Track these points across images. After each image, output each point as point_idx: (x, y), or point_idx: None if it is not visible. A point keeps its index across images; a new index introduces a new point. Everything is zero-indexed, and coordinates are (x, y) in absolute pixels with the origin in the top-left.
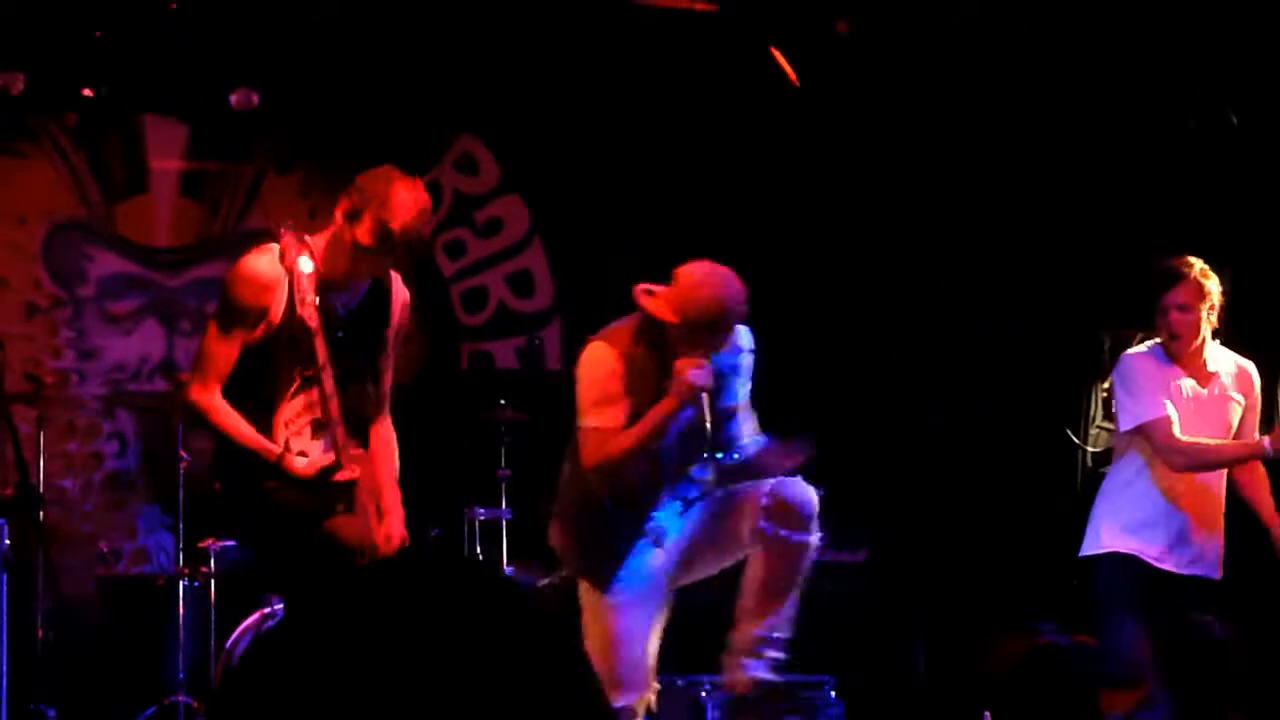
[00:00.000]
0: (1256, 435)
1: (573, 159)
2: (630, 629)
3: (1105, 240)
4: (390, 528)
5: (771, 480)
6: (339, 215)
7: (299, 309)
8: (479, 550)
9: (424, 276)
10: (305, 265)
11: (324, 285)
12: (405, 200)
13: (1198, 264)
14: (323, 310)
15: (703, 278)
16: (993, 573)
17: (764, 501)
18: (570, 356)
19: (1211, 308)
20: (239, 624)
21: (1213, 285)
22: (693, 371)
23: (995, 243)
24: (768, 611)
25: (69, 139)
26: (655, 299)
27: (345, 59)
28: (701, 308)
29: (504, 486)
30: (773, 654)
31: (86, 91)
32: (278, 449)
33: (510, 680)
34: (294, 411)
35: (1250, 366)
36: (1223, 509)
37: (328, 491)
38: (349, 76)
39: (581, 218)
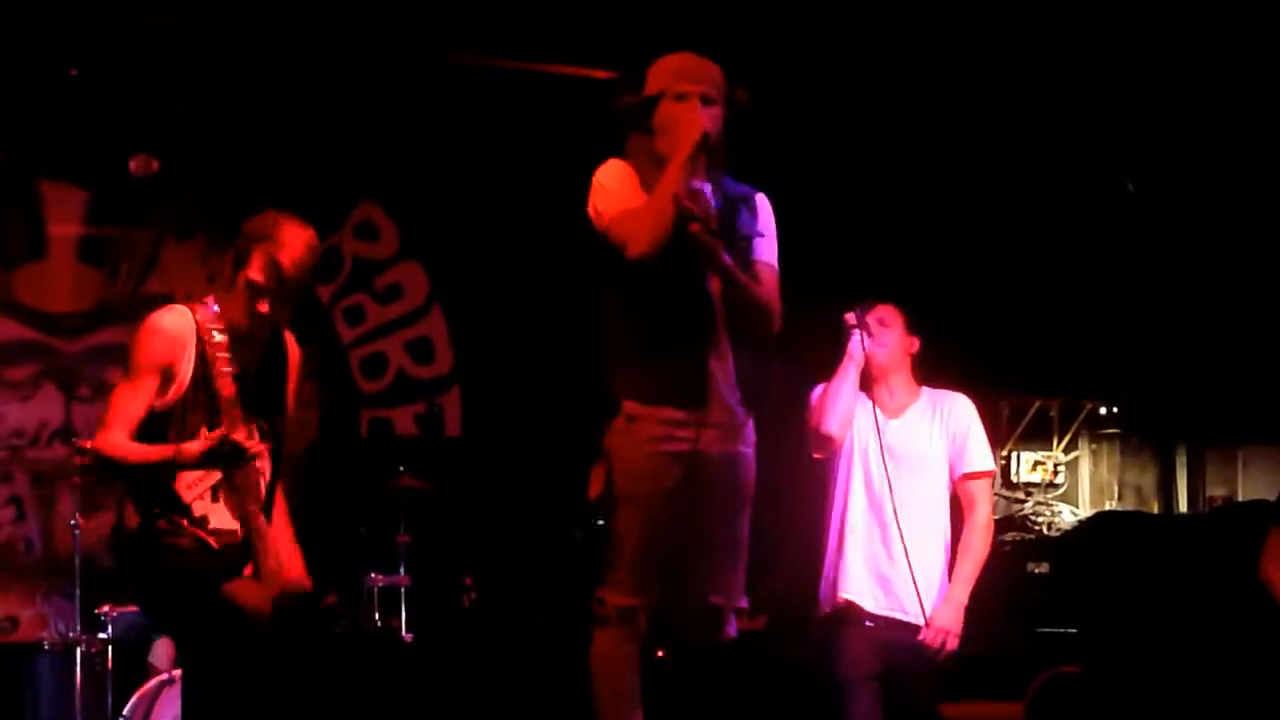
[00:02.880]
0: None
1: (472, 227)
2: (646, 527)
3: (1006, 307)
4: (291, 578)
5: None
6: (228, 265)
7: (213, 370)
8: (377, 617)
9: (323, 342)
10: (213, 325)
11: (230, 343)
12: (293, 235)
13: None
14: (231, 372)
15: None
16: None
17: None
18: (469, 423)
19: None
20: (135, 691)
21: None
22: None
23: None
24: None
25: None
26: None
27: (245, 125)
28: (663, 65)
29: (403, 553)
30: None
31: None
32: (170, 449)
33: None
34: (196, 475)
35: None
36: None
37: (229, 554)
38: (249, 143)
39: (481, 285)
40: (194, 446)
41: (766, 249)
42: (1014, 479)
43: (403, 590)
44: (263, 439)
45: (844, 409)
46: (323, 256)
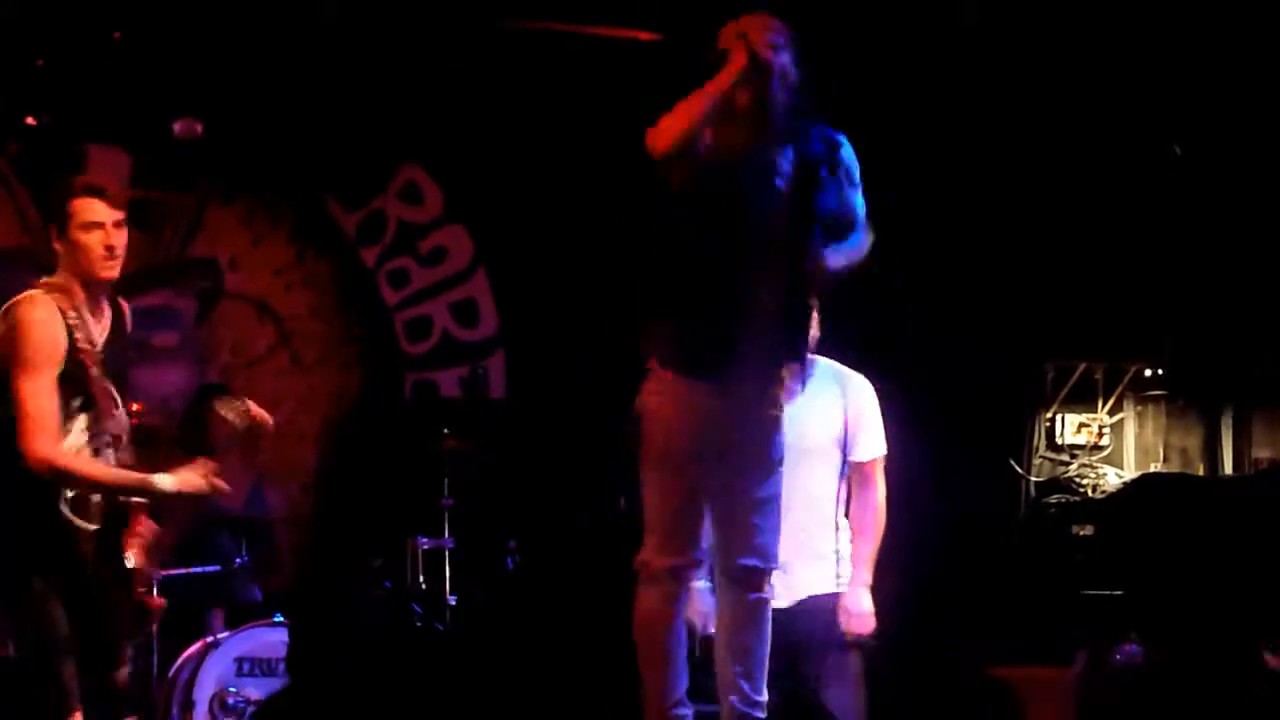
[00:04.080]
0: None
1: (516, 189)
2: (676, 489)
3: (1050, 270)
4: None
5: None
6: (54, 241)
7: (78, 351)
8: (422, 580)
9: (368, 305)
10: (66, 306)
11: (85, 311)
12: (86, 192)
13: None
14: (88, 341)
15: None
16: (937, 602)
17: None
18: (514, 387)
19: None
20: (181, 653)
21: None
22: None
23: (939, 272)
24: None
25: (11, 168)
26: None
27: (289, 87)
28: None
29: (447, 516)
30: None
31: (29, 120)
32: (141, 474)
33: None
34: (77, 442)
35: None
36: None
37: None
38: (293, 105)
39: (525, 247)
40: (166, 484)
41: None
42: (1058, 441)
43: (447, 553)
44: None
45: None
46: (367, 219)
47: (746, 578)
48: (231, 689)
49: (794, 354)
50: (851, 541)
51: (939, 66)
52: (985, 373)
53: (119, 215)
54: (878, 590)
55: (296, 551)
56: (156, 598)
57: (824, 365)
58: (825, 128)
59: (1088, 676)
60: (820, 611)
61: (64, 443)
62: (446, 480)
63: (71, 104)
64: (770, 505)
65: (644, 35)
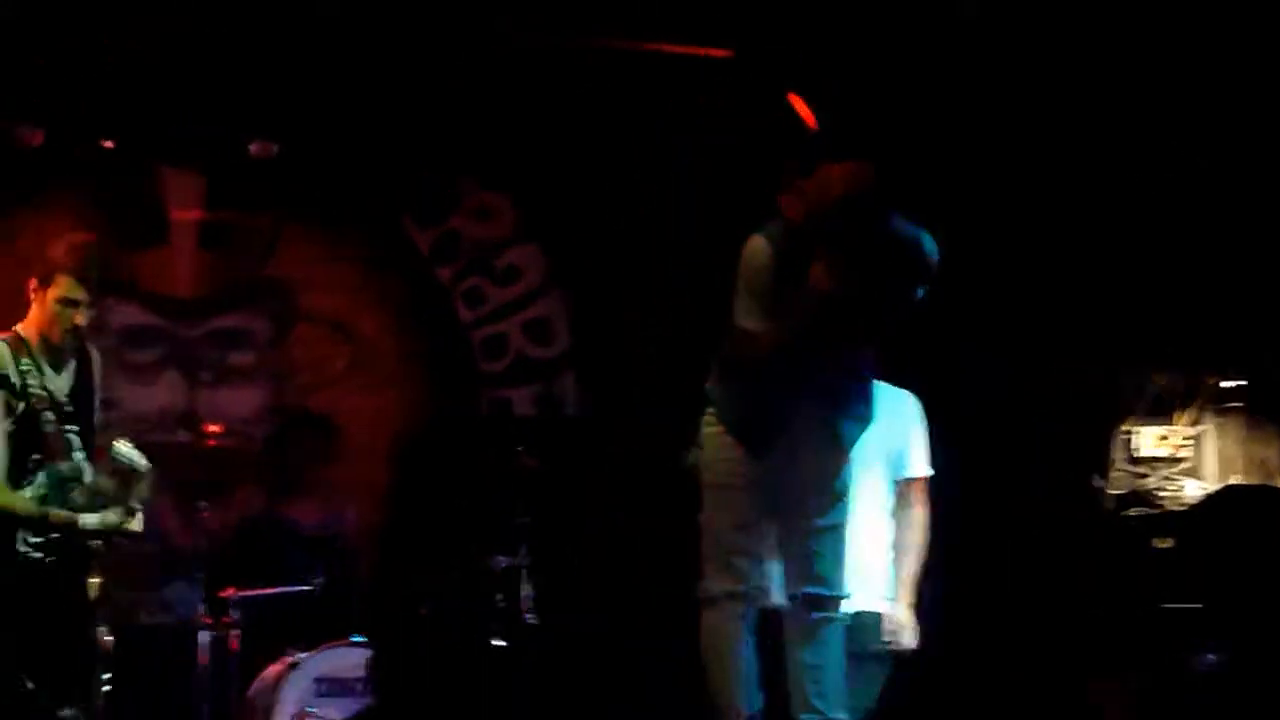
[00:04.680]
0: None
1: (589, 207)
2: (731, 517)
3: (1129, 281)
4: None
5: None
6: (32, 290)
7: (30, 391)
8: (499, 598)
9: (444, 323)
10: (19, 351)
11: (44, 363)
12: (65, 245)
13: None
14: (42, 388)
15: (831, 167)
16: (1016, 617)
17: None
18: (587, 404)
19: None
20: (260, 674)
21: None
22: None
23: (1018, 286)
24: None
25: (89, 191)
26: (792, 197)
27: (363, 107)
28: (821, 191)
29: (523, 533)
30: None
31: (106, 144)
32: (67, 513)
33: None
34: (39, 489)
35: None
36: None
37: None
38: (367, 124)
39: (598, 266)
40: (90, 522)
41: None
42: (1137, 454)
43: (523, 570)
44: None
45: None
46: (441, 238)
47: (810, 603)
48: (311, 709)
49: (857, 417)
50: (896, 560)
51: (993, 69)
52: (1064, 384)
53: (91, 298)
54: (950, 603)
55: (373, 570)
56: (106, 639)
57: (882, 388)
58: (905, 229)
59: (1165, 687)
60: (863, 629)
61: (27, 490)
62: (521, 498)
63: (147, 127)
64: (834, 533)
65: (715, 52)
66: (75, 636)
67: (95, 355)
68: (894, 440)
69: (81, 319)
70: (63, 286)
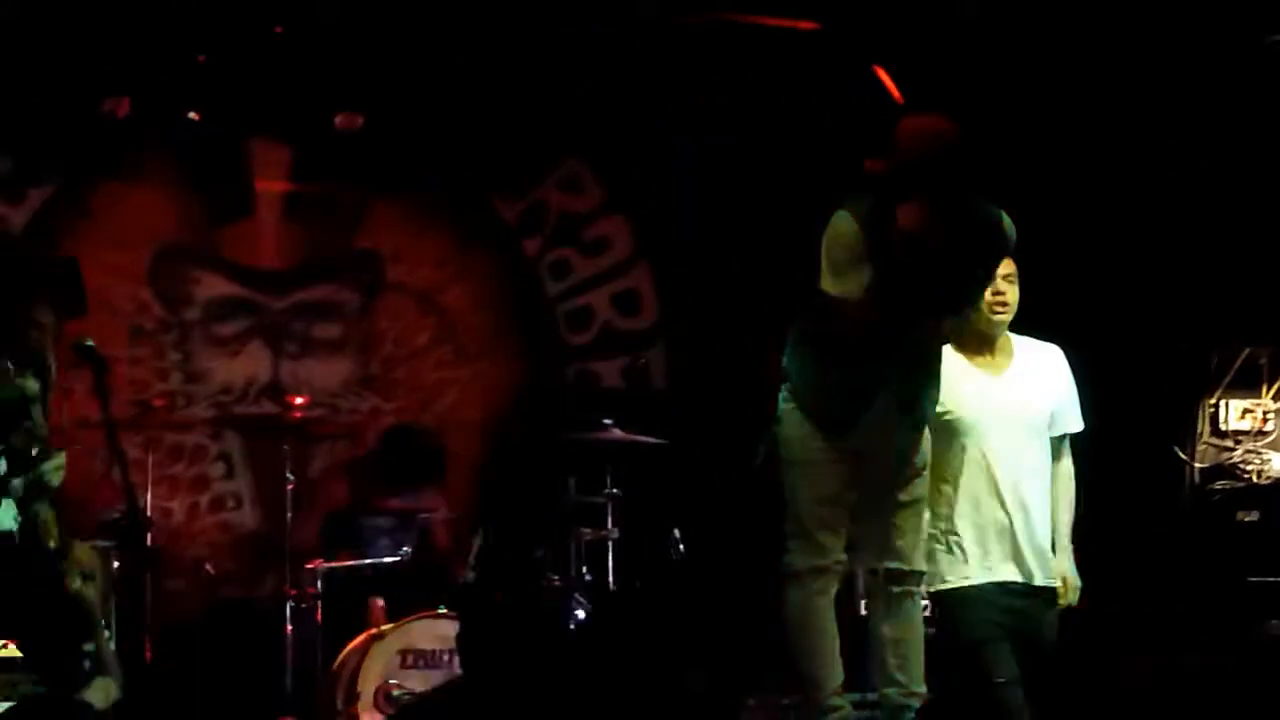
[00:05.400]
0: None
1: (677, 180)
2: (812, 492)
3: (1215, 254)
4: None
5: None
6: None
7: None
8: (585, 571)
9: (530, 296)
10: None
11: None
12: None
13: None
14: None
15: (915, 118)
16: (1102, 589)
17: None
18: (675, 376)
19: None
20: (345, 646)
21: None
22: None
23: (1103, 258)
24: None
25: (175, 163)
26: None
27: (449, 80)
28: (910, 138)
29: (610, 507)
30: None
31: (192, 115)
32: None
33: None
34: None
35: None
36: None
37: None
38: (454, 96)
39: (686, 238)
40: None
41: None
42: (1222, 427)
43: (610, 544)
44: None
45: None
46: (528, 210)
47: (891, 578)
48: (394, 680)
49: (933, 398)
50: (1054, 516)
51: (1087, 45)
52: (1149, 358)
53: (52, 322)
54: None
55: (459, 543)
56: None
57: (1031, 342)
58: (986, 206)
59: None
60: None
61: None
62: (609, 471)
63: (234, 99)
64: (914, 508)
65: (804, 24)
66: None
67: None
68: (1050, 395)
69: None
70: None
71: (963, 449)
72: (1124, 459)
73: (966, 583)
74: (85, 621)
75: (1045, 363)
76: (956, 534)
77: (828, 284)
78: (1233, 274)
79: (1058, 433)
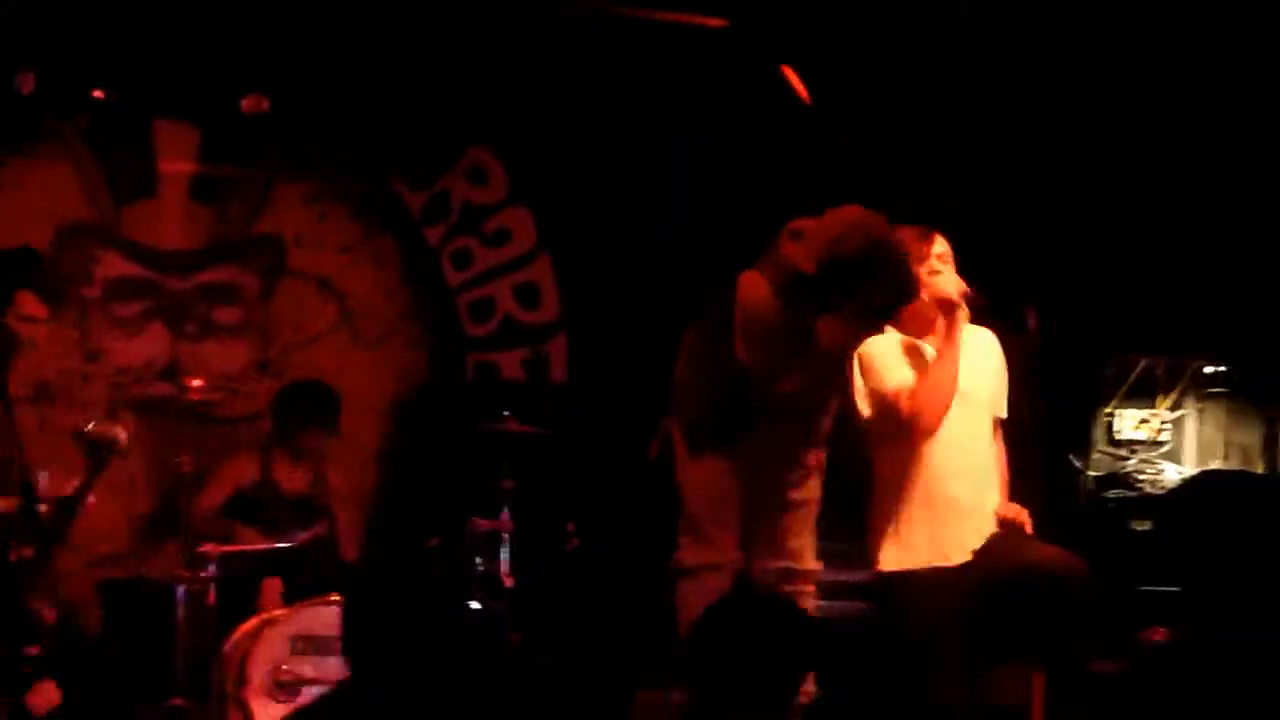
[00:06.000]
0: None
1: (581, 172)
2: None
3: (1113, 264)
4: None
5: None
6: None
7: None
8: (479, 561)
9: (431, 284)
10: None
11: None
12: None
13: None
14: None
15: (848, 216)
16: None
17: None
18: (575, 370)
19: None
20: (236, 630)
21: None
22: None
23: (998, 265)
24: None
25: (79, 141)
26: (799, 244)
27: (358, 66)
28: (838, 242)
29: (507, 498)
30: None
31: (97, 93)
32: None
33: None
34: None
35: None
36: None
37: None
38: (361, 83)
39: (589, 231)
40: None
41: None
42: (1117, 436)
43: (505, 535)
44: None
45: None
46: (432, 199)
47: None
48: (285, 666)
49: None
50: None
51: (995, 50)
52: (1045, 366)
53: (47, 313)
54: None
55: (355, 529)
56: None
57: (967, 325)
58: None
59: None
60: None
61: None
62: (506, 462)
63: (140, 78)
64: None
65: (711, 21)
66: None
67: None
68: (988, 378)
69: (38, 334)
70: (22, 303)
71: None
72: (1018, 466)
73: (915, 565)
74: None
75: (983, 345)
76: (906, 516)
77: (742, 347)
78: (1130, 283)
79: (992, 415)
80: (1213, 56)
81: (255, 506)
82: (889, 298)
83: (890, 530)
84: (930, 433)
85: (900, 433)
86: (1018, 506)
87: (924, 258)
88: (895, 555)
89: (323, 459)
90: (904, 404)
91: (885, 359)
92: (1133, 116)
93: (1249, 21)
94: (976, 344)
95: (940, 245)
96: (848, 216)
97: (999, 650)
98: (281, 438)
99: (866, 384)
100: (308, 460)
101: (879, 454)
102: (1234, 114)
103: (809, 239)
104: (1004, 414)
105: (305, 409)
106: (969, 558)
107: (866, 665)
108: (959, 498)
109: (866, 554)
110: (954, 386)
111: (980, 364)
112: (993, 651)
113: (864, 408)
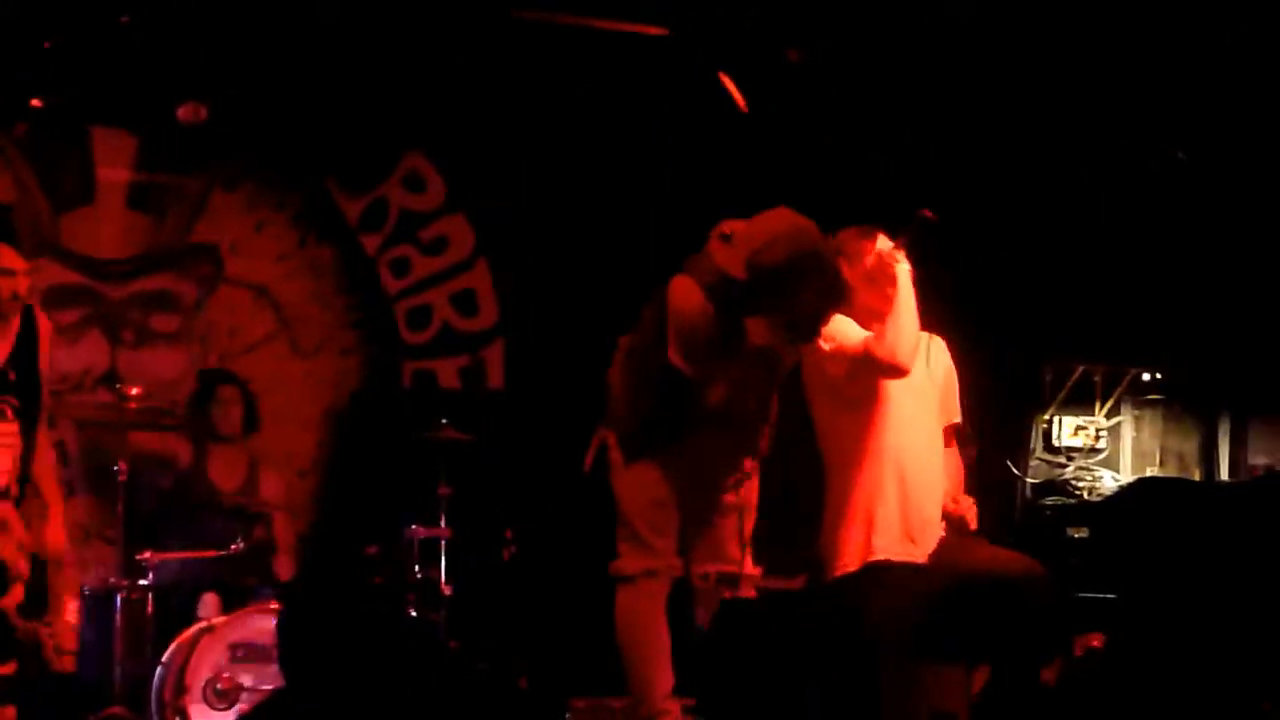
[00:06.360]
0: None
1: (519, 180)
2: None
3: (1051, 271)
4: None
5: None
6: None
7: None
8: (416, 569)
9: (369, 293)
10: None
11: None
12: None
13: None
14: None
15: (776, 220)
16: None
17: None
18: (513, 378)
19: None
20: (174, 639)
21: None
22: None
23: (938, 272)
24: None
25: (16, 149)
26: (728, 248)
27: (295, 73)
28: (767, 249)
29: (444, 505)
30: None
31: (35, 102)
32: None
33: None
34: None
35: None
36: None
37: None
38: (298, 91)
39: (526, 239)
40: None
41: None
42: (1055, 443)
43: (442, 542)
44: (15, 417)
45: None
46: (370, 207)
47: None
48: (225, 674)
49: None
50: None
51: (935, 61)
52: (983, 373)
53: (28, 265)
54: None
55: (293, 537)
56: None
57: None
58: None
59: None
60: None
61: None
62: (443, 469)
63: (78, 86)
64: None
65: (651, 30)
66: None
67: (46, 326)
68: (939, 384)
69: (20, 286)
70: None
71: (865, 426)
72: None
73: (874, 560)
74: None
75: (934, 348)
76: (863, 512)
77: (674, 349)
78: (1068, 291)
79: (946, 420)
80: (1162, 68)
81: (187, 517)
82: (818, 303)
83: (858, 517)
84: (905, 370)
85: (872, 387)
86: (969, 500)
87: (864, 254)
88: (863, 538)
89: (254, 461)
90: (874, 347)
91: (845, 323)
92: (1071, 127)
93: (1176, 35)
94: (931, 351)
95: (884, 243)
96: (776, 221)
97: (950, 651)
98: (207, 434)
99: (833, 346)
100: (240, 462)
101: (836, 441)
102: (1174, 127)
103: (737, 243)
104: (958, 419)
105: (223, 400)
106: (934, 543)
107: (805, 671)
108: (919, 477)
109: (820, 554)
110: (916, 324)
111: (933, 364)
112: (944, 652)
113: (835, 369)
